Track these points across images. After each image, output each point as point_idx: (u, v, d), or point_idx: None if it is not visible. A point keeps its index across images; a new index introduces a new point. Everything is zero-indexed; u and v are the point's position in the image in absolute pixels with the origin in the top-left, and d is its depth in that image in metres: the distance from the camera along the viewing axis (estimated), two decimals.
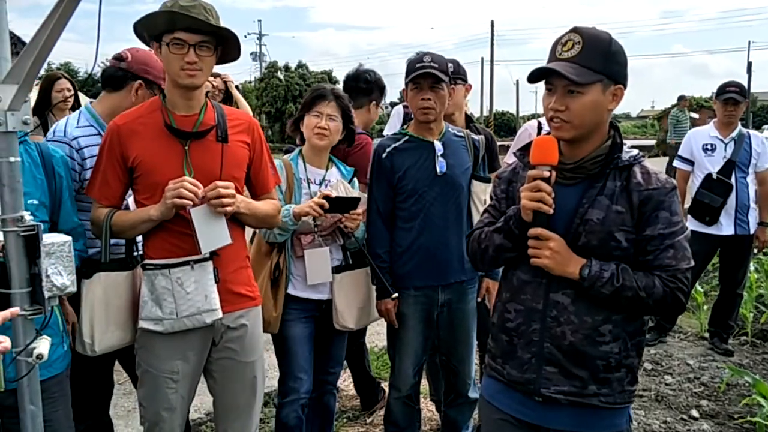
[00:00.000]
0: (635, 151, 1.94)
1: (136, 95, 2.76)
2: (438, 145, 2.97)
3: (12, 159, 1.59)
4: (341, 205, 2.85)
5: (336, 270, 2.96)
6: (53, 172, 2.21)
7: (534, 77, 1.91)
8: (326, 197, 2.78)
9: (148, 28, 2.26)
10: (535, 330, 1.94)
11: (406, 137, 3.01)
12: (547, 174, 1.83)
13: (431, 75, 2.84)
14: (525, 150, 2.00)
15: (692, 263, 1.87)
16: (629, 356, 1.92)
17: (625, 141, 2.01)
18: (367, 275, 3.05)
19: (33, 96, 4.39)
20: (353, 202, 2.88)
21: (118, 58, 2.79)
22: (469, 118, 3.77)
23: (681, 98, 15.31)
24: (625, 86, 1.90)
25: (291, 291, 2.91)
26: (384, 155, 2.98)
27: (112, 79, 2.79)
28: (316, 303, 2.97)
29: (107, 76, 2.81)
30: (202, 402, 3.38)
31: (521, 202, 1.87)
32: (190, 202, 2.21)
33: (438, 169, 2.93)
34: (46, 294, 1.63)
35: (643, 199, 1.85)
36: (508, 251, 1.99)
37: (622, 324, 1.90)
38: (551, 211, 1.83)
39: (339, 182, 3.00)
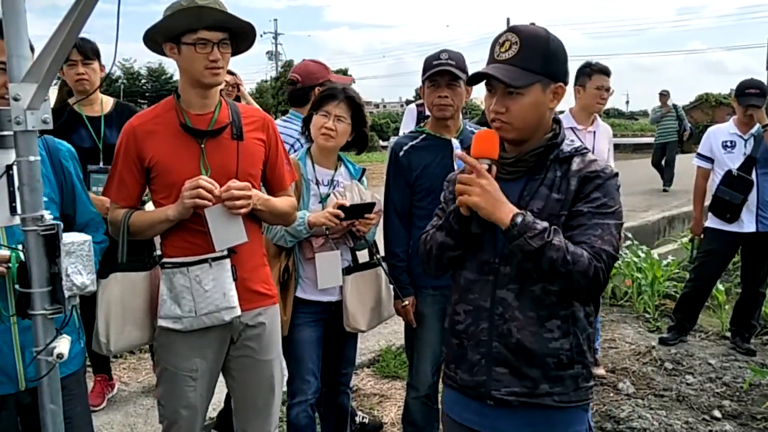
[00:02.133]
0: (578, 143, 1.92)
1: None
2: (455, 142, 2.94)
3: (32, 158, 1.58)
4: (357, 211, 2.82)
5: (345, 272, 2.92)
6: (61, 167, 2.20)
7: (473, 80, 1.93)
8: (341, 207, 2.75)
9: (167, 30, 2.24)
10: (483, 329, 1.89)
11: (423, 135, 2.99)
12: (484, 166, 1.80)
13: (448, 72, 2.82)
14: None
15: (618, 255, 1.83)
16: (581, 352, 1.86)
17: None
18: (378, 276, 3.02)
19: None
20: (368, 207, 2.85)
21: (291, 82, 3.55)
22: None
23: (661, 94, 13.57)
24: (566, 83, 1.89)
25: (300, 294, 2.88)
26: (401, 154, 2.96)
27: (297, 98, 3.53)
28: (325, 305, 2.94)
29: (292, 98, 3.58)
30: (221, 401, 3.38)
31: (456, 190, 1.82)
32: (209, 203, 2.22)
33: (455, 167, 2.90)
34: (66, 293, 1.62)
35: (579, 182, 1.83)
36: (450, 249, 1.94)
37: (571, 319, 1.84)
38: None
39: (353, 183, 2.96)
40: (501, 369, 1.86)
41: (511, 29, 1.85)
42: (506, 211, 1.76)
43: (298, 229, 2.75)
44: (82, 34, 3.49)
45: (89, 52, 3.59)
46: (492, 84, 1.86)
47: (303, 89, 3.46)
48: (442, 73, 2.83)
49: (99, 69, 3.69)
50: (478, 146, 1.84)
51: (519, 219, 1.74)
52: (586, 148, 1.92)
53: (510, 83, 1.78)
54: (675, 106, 13.35)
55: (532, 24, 1.87)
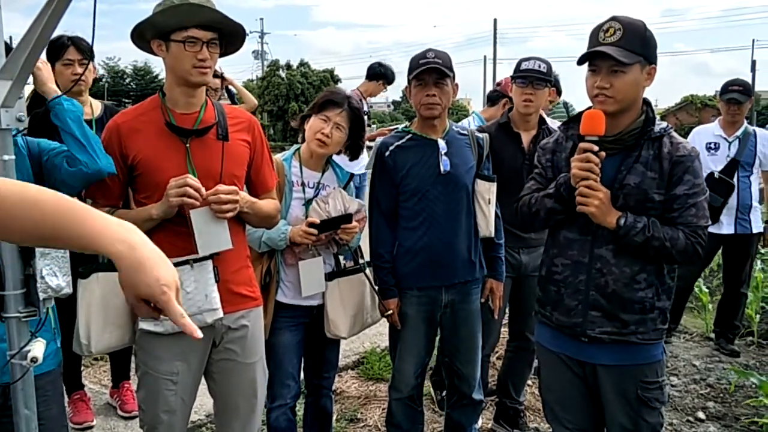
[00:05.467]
0: (665, 124, 2.26)
1: (503, 108, 4.05)
2: (441, 143, 2.92)
3: (6, 157, 1.55)
4: (332, 224, 2.78)
5: (328, 277, 2.86)
6: (40, 168, 2.16)
7: (583, 60, 2.24)
8: (312, 224, 2.71)
9: (158, 26, 2.20)
10: (581, 280, 2.28)
11: (409, 135, 2.96)
12: (596, 148, 2.14)
13: (436, 70, 2.79)
14: (567, 124, 2.41)
15: (710, 222, 2.22)
16: (660, 299, 2.25)
17: None
18: (362, 281, 2.96)
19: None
20: (344, 218, 2.80)
21: (497, 84, 4.41)
22: (542, 119, 3.56)
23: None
24: (656, 66, 2.21)
25: (281, 298, 2.81)
26: (387, 153, 2.93)
27: (491, 99, 4.33)
28: (306, 309, 2.88)
29: (491, 99, 4.37)
30: (202, 403, 3.34)
31: (572, 171, 2.19)
32: (196, 202, 2.18)
33: (441, 168, 2.88)
34: (41, 295, 1.59)
35: (672, 165, 2.17)
36: (558, 214, 2.32)
37: (655, 273, 2.23)
38: (598, 179, 2.16)
39: (337, 191, 2.89)
40: (595, 313, 2.26)
41: (613, 18, 2.18)
42: (612, 217, 2.16)
43: (278, 243, 2.71)
44: (61, 32, 3.48)
45: (87, 51, 3.47)
46: (596, 64, 2.18)
47: (496, 92, 4.24)
48: (429, 71, 2.80)
49: (92, 69, 3.63)
50: (587, 124, 2.17)
51: (622, 221, 2.15)
52: (671, 127, 2.26)
53: (621, 60, 2.10)
54: (565, 104, 10.23)
55: (628, 16, 2.22)
